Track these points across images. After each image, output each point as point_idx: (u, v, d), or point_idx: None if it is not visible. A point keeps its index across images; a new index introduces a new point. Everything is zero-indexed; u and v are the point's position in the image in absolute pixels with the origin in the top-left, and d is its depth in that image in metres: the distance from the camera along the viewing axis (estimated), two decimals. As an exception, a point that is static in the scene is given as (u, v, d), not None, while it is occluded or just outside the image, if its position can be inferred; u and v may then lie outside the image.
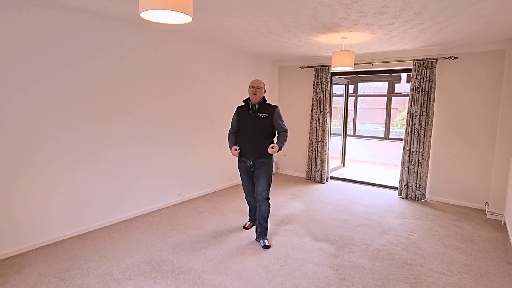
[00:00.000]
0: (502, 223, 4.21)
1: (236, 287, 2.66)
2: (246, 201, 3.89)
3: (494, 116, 4.57)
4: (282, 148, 3.44)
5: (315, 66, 6.12)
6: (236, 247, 3.38)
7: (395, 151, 8.11)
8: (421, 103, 5.01)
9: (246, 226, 3.89)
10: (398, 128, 10.54)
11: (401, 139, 6.91)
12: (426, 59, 4.91)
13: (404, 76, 9.25)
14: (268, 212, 3.50)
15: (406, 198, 5.28)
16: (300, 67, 6.44)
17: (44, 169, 3.26)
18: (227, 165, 5.60)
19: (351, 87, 9.15)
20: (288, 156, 6.82)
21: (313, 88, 6.19)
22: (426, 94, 4.96)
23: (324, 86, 6.05)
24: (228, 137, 3.65)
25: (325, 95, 6.06)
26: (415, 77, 5.05)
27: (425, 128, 5.02)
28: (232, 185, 5.81)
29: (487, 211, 4.48)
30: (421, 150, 5.09)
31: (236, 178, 5.66)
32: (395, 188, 5.71)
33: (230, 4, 3.02)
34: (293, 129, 6.62)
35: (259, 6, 3.04)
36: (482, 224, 4.19)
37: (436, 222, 4.23)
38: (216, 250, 3.30)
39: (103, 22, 3.60)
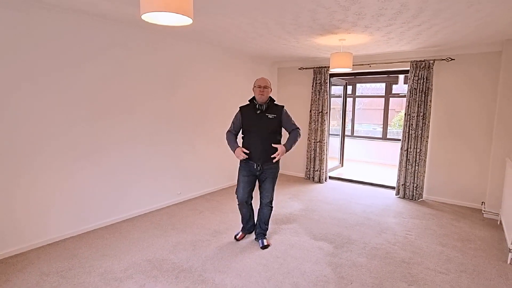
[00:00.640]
0: (498, 222, 4.22)
1: (236, 286, 2.66)
2: (238, 210, 3.52)
3: (490, 117, 4.58)
4: (292, 148, 3.29)
5: (314, 67, 6.12)
6: (236, 246, 3.38)
7: (393, 151, 8.13)
8: (418, 104, 5.02)
9: (237, 238, 3.54)
10: (396, 128, 10.54)
11: (399, 140, 6.92)
12: (423, 61, 4.91)
13: (401, 77, 9.25)
14: (270, 215, 3.44)
15: (404, 197, 5.29)
16: (299, 68, 6.44)
17: (46, 169, 3.26)
18: (227, 165, 5.60)
19: (349, 88, 9.16)
20: (287, 156, 6.82)
21: (312, 89, 6.20)
22: (423, 95, 4.96)
23: (322, 87, 6.06)
24: (228, 137, 3.37)
25: (324, 96, 6.06)
26: (412, 78, 5.05)
27: (422, 129, 5.03)
28: (232, 184, 5.81)
29: (484, 211, 4.48)
30: (418, 150, 5.09)
31: (236, 177, 5.65)
32: (393, 187, 5.72)
33: (229, 6, 3.02)
34: (292, 129, 6.63)
35: (259, 8, 3.05)
36: (478, 223, 4.20)
37: (433, 221, 4.23)
38: (216, 249, 3.30)
39: (104, 23, 3.60)
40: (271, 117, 3.21)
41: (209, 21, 3.57)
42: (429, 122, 4.98)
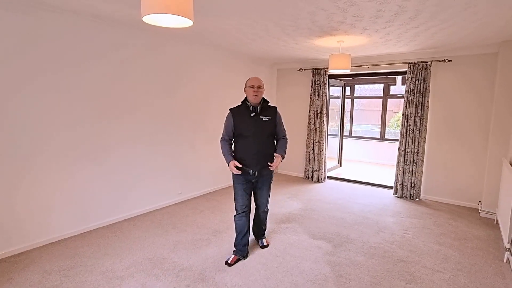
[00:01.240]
0: (495, 222, 4.22)
1: (235, 284, 2.66)
2: (234, 224, 3.10)
3: (487, 118, 4.58)
4: (284, 157, 3.05)
5: (313, 68, 6.12)
6: (236, 245, 3.38)
7: (391, 151, 8.13)
8: (415, 104, 5.02)
9: (229, 262, 2.96)
10: (394, 129, 10.54)
11: (396, 140, 6.91)
12: (421, 62, 4.92)
13: (399, 78, 9.26)
14: (266, 217, 3.37)
15: (401, 197, 5.29)
16: (298, 70, 6.44)
17: (48, 169, 3.26)
18: (226, 164, 5.58)
19: (347, 89, 9.16)
20: (286, 156, 6.79)
21: (311, 90, 6.20)
22: (421, 96, 4.97)
23: (321, 88, 6.06)
24: (222, 145, 3.02)
25: (322, 97, 6.06)
26: (410, 79, 5.06)
27: (419, 129, 5.03)
28: (231, 184, 5.79)
29: (480, 210, 4.49)
30: (416, 150, 5.10)
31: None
32: (391, 187, 5.71)
33: (229, 8, 3.02)
34: (292, 130, 6.62)
35: (258, 10, 3.05)
36: (475, 222, 4.20)
37: (430, 220, 4.23)
38: (216, 248, 3.30)
39: (105, 25, 3.60)
40: (266, 119, 2.95)
41: (209, 23, 3.57)
42: (426, 122, 4.99)
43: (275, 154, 2.99)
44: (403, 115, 5.21)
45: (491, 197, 4.40)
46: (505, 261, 3.14)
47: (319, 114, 6.14)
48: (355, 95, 9.71)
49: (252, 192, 3.15)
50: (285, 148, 3.08)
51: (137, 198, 4.18)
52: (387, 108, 8.87)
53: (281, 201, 4.91)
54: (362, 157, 8.93)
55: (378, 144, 8.83)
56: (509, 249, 3.11)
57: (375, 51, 5.01)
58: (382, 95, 9.02)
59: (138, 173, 4.15)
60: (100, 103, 3.65)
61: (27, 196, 3.13)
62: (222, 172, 5.56)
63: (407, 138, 5.17)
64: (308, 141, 6.33)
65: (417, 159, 5.09)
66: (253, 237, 3.50)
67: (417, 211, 4.59)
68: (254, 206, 3.29)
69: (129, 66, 3.91)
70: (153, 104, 4.25)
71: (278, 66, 6.76)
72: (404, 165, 5.23)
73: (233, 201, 3.12)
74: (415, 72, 4.99)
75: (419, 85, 4.97)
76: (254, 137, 2.92)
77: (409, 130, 5.12)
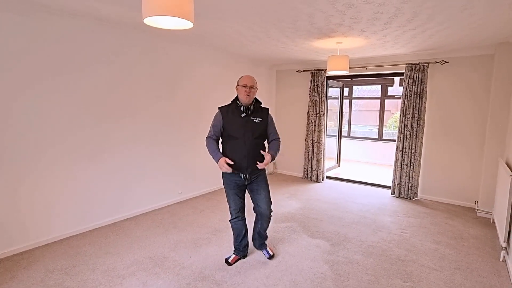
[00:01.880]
0: (491, 221, 4.22)
1: (235, 282, 2.66)
2: (231, 227, 3.04)
3: (483, 118, 4.58)
4: (275, 158, 2.83)
5: (312, 70, 6.12)
6: (236, 244, 3.38)
7: (388, 151, 8.13)
8: (413, 105, 5.02)
9: (230, 261, 2.97)
10: (391, 129, 10.55)
11: (394, 140, 6.92)
12: (418, 63, 4.92)
13: (397, 79, 9.27)
14: (269, 224, 3.06)
15: (399, 196, 5.29)
16: (297, 71, 6.45)
17: (51, 169, 3.26)
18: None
19: (346, 90, 9.16)
20: (285, 156, 6.81)
21: (310, 91, 6.20)
22: (418, 97, 4.97)
23: (320, 89, 6.06)
24: (208, 143, 2.84)
25: (321, 97, 6.06)
26: (407, 80, 5.06)
27: (417, 130, 5.03)
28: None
29: (477, 209, 4.49)
30: (413, 150, 5.10)
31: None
32: (388, 187, 5.72)
33: (229, 11, 3.02)
34: (290, 130, 6.64)
35: (257, 12, 3.05)
36: (471, 221, 4.20)
37: (427, 219, 4.23)
38: (216, 247, 3.30)
39: (107, 27, 3.60)
40: (257, 121, 2.77)
41: (209, 25, 3.57)
42: (423, 123, 4.99)
43: (264, 152, 2.77)
44: (400, 115, 5.21)
45: (487, 197, 4.40)
46: (501, 259, 3.14)
47: (317, 115, 6.15)
48: (353, 96, 9.72)
49: (251, 199, 2.95)
50: (276, 148, 2.88)
51: (138, 198, 4.18)
52: (385, 109, 8.87)
53: (280, 201, 4.91)
54: (360, 157, 8.93)
55: (376, 144, 8.83)
56: (505, 248, 3.12)
57: (373, 52, 5.01)
58: (380, 96, 9.02)
59: (139, 173, 4.14)
60: (102, 104, 3.65)
61: (30, 196, 3.13)
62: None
63: (405, 139, 5.17)
64: (307, 141, 6.33)
65: (414, 159, 5.09)
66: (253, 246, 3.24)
67: (414, 211, 4.59)
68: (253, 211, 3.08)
69: (130, 68, 3.91)
70: (154, 105, 4.25)
71: (277, 67, 6.76)
72: (401, 165, 5.24)
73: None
74: (413, 73, 4.99)
75: (416, 86, 4.97)
76: (244, 139, 2.72)
77: (407, 131, 5.13)
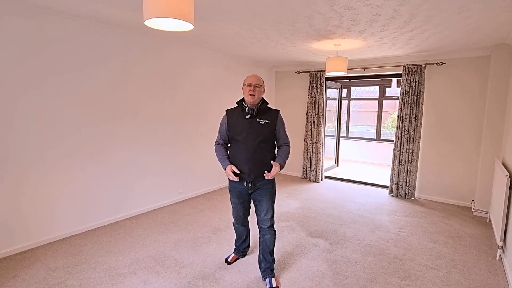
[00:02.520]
0: (487, 220, 4.22)
1: (235, 281, 2.66)
2: (233, 228, 3.01)
3: (479, 119, 4.59)
4: (284, 167, 2.59)
5: (310, 71, 6.13)
6: (236, 243, 3.38)
7: (386, 151, 8.14)
8: (410, 106, 5.02)
9: (229, 260, 2.95)
10: (389, 130, 10.54)
11: (392, 141, 6.92)
12: (415, 65, 4.92)
13: (394, 80, 9.26)
14: (274, 243, 2.69)
15: (396, 196, 5.29)
16: (296, 72, 6.45)
17: (53, 169, 3.26)
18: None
19: (344, 91, 9.16)
20: (284, 157, 6.80)
21: (308, 92, 6.20)
22: (415, 98, 4.97)
23: (318, 90, 6.06)
24: (216, 150, 2.68)
25: (320, 98, 6.07)
26: (405, 81, 5.06)
27: (414, 130, 5.03)
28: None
29: (473, 209, 4.49)
30: (410, 151, 5.10)
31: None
32: (386, 187, 5.72)
33: (229, 13, 3.02)
34: (290, 130, 6.57)
35: (257, 14, 3.05)
36: (468, 221, 4.20)
37: (424, 219, 4.23)
38: (216, 246, 3.30)
39: (109, 29, 3.60)
40: (263, 123, 2.52)
41: (209, 27, 3.57)
42: (421, 123, 4.99)
43: (272, 162, 2.53)
44: (398, 116, 5.22)
45: (483, 196, 4.40)
46: (497, 258, 3.14)
47: (316, 116, 6.15)
48: (351, 97, 9.71)
49: (254, 208, 2.71)
50: (285, 156, 2.61)
51: (139, 197, 4.18)
52: (383, 110, 8.87)
53: (279, 200, 4.91)
54: (359, 157, 8.93)
55: (374, 144, 8.84)
56: (501, 247, 3.12)
57: (371, 54, 5.02)
58: (378, 97, 9.02)
59: (140, 173, 4.14)
60: (103, 105, 3.65)
61: (32, 196, 3.12)
62: (222, 172, 5.55)
63: (402, 139, 5.17)
64: (306, 141, 6.33)
65: (411, 159, 5.10)
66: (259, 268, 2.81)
67: (411, 210, 4.59)
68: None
69: (131, 69, 3.91)
70: (154, 105, 4.25)
71: (276, 68, 6.76)
72: (399, 165, 5.24)
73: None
74: (410, 75, 4.99)
75: (413, 87, 4.97)
76: (247, 142, 2.49)
77: (404, 131, 5.13)
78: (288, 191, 5.51)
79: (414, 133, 5.04)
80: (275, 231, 2.67)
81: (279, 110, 2.65)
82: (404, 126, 5.12)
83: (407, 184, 5.17)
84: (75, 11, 3.09)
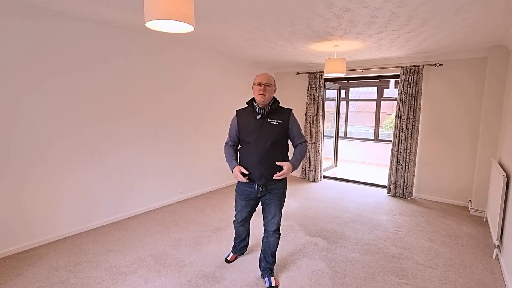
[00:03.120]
0: (484, 219, 4.23)
1: (235, 279, 2.66)
2: (233, 226, 2.91)
3: (476, 119, 4.59)
4: (298, 167, 2.38)
5: (309, 72, 6.13)
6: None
7: (384, 152, 8.15)
8: (408, 107, 5.03)
9: (228, 259, 2.93)
10: (387, 130, 10.56)
11: (390, 141, 6.92)
12: (413, 66, 4.93)
13: (392, 81, 9.29)
14: (278, 245, 2.63)
15: (394, 196, 5.29)
16: (295, 73, 6.45)
17: (54, 168, 3.26)
18: (226, 164, 5.58)
19: (343, 92, 9.18)
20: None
21: (307, 93, 6.21)
22: (413, 99, 4.98)
23: (317, 91, 6.07)
24: (225, 151, 2.57)
25: (318, 99, 6.07)
26: (402, 82, 5.07)
27: (412, 131, 5.04)
28: (231, 184, 5.81)
29: (470, 208, 4.49)
30: (408, 151, 5.10)
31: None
32: (384, 186, 5.73)
33: (229, 14, 3.02)
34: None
35: (256, 16, 3.05)
36: (465, 220, 4.21)
37: (422, 218, 4.24)
38: (216, 245, 3.30)
39: (110, 30, 3.60)
40: (274, 123, 2.38)
41: (209, 29, 3.58)
42: (418, 124, 5.00)
43: (282, 162, 2.39)
44: (396, 117, 5.22)
45: (480, 196, 4.41)
46: (494, 257, 3.15)
47: (315, 116, 6.15)
48: (350, 97, 9.73)
49: (262, 210, 2.61)
50: (299, 156, 2.46)
51: (140, 197, 4.18)
52: (381, 110, 8.89)
53: (279, 200, 4.90)
54: (357, 157, 8.94)
55: (372, 145, 8.85)
56: (498, 246, 3.12)
57: (369, 55, 5.02)
58: (376, 98, 9.04)
59: (141, 172, 4.14)
60: (104, 105, 3.65)
61: (34, 195, 3.12)
62: (222, 172, 5.56)
63: (400, 139, 5.17)
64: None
65: (409, 159, 5.10)
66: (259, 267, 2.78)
67: (409, 209, 4.60)
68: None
69: (132, 70, 3.91)
70: (155, 105, 4.25)
71: (276, 69, 6.76)
72: (397, 165, 5.24)
73: (233, 199, 3.02)
74: (408, 76, 5.00)
75: (411, 88, 4.98)
76: (257, 143, 2.37)
77: (402, 132, 5.13)
78: (287, 190, 5.49)
79: (411, 133, 5.04)
80: (280, 234, 2.61)
81: (291, 109, 2.52)
82: (402, 126, 5.13)
83: (405, 184, 5.17)
84: (77, 13, 3.09)
